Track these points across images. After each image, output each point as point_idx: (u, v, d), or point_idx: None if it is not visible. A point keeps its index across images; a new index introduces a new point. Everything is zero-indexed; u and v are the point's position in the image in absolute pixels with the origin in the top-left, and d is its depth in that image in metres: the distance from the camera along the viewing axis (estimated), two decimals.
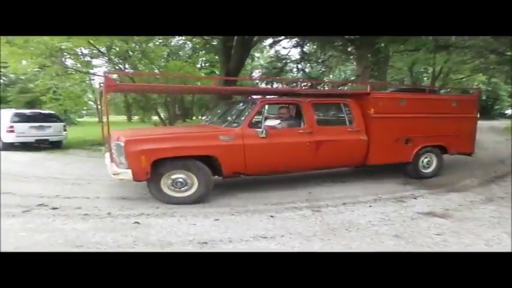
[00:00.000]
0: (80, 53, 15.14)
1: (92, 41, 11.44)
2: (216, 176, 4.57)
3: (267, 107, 4.88)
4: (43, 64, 13.42)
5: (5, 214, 3.70)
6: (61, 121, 11.44)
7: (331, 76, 23.83)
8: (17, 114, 10.35)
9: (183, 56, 19.16)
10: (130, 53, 13.82)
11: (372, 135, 5.37)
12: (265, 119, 4.69)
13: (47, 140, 10.55)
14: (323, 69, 19.03)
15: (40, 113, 11.41)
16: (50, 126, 10.59)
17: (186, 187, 4.23)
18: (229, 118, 5.15)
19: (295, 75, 17.74)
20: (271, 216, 3.81)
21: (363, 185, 5.48)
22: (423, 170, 6.10)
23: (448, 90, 16.19)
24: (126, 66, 14.70)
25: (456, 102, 6.21)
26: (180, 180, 4.20)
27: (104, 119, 4.35)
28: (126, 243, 2.97)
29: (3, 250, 2.75)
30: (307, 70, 17.85)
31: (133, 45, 13.20)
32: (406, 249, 2.96)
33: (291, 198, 4.58)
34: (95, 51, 13.69)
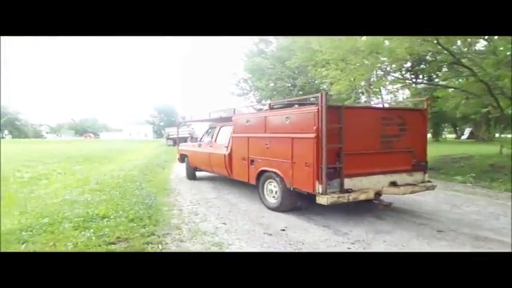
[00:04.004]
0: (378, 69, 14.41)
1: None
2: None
3: (211, 129, 8.11)
4: (368, 80, 15.34)
5: None
6: None
7: None
8: None
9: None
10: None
11: (232, 152, 6.40)
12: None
13: None
14: None
15: None
16: None
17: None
18: None
19: None
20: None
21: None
22: (267, 199, 5.29)
23: None
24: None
25: (290, 117, 4.61)
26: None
27: None
28: None
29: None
30: None
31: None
32: None
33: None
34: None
